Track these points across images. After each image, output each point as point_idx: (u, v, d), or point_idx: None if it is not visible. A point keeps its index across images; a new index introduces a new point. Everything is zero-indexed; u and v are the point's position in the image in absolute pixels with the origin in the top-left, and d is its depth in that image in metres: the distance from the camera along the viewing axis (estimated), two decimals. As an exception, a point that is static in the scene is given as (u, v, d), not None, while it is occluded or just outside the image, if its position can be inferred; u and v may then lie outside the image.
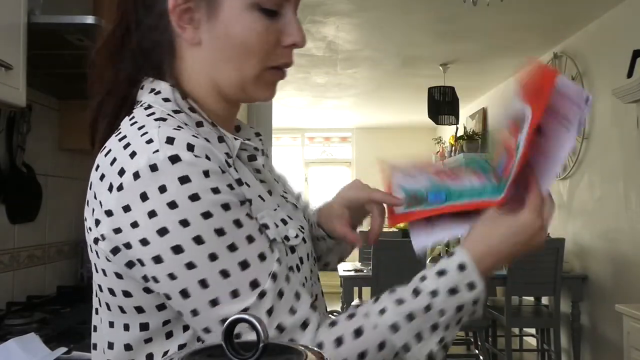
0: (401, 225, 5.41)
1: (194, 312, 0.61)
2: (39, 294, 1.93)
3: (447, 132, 7.44)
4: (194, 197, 0.59)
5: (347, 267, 4.32)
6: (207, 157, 0.62)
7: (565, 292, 3.95)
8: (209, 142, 0.67)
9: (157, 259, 0.59)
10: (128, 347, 0.67)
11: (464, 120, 6.83)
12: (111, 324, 0.67)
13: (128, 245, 0.60)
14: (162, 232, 0.59)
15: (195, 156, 0.61)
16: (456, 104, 5.02)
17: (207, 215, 0.59)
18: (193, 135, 0.63)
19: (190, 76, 0.71)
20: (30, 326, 1.49)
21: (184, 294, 0.60)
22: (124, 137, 0.63)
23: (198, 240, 0.59)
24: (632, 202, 3.46)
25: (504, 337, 3.79)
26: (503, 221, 0.67)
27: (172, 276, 0.60)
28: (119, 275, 0.63)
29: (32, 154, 1.94)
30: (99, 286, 0.67)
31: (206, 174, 0.60)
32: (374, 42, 4.44)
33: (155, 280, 0.60)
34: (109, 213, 0.60)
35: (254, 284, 0.61)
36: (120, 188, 0.60)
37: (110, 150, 0.63)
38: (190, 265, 0.59)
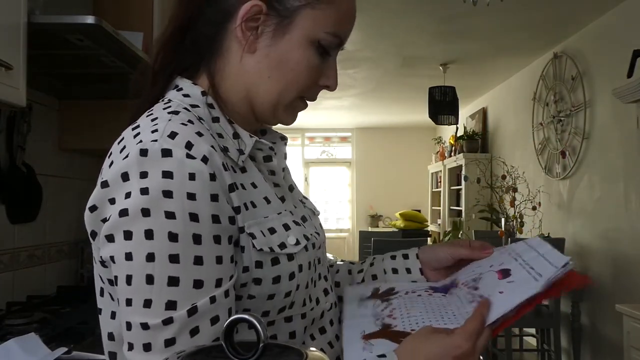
0: (400, 224, 5.41)
1: (126, 302, 0.60)
2: (39, 294, 1.93)
3: (447, 132, 7.44)
4: (167, 194, 0.59)
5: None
6: (204, 159, 0.61)
7: (565, 292, 3.93)
8: (221, 137, 0.68)
9: (111, 238, 0.60)
10: (110, 337, 0.68)
11: (463, 120, 6.84)
12: (99, 311, 0.70)
13: (104, 220, 0.62)
14: (123, 213, 0.59)
15: (189, 155, 0.61)
16: (456, 104, 5.02)
17: (170, 215, 0.58)
18: (198, 133, 0.64)
19: (229, 77, 0.73)
20: (30, 326, 1.49)
21: (128, 281, 0.59)
22: (137, 126, 0.66)
23: (148, 234, 0.58)
24: (632, 202, 3.46)
25: (504, 337, 3.78)
26: (434, 339, 0.65)
27: (126, 257, 0.59)
28: (103, 264, 0.65)
29: (32, 154, 1.94)
30: (100, 276, 0.68)
31: (191, 176, 0.60)
32: (374, 42, 4.44)
33: (112, 260, 0.61)
34: (102, 184, 0.62)
35: (170, 306, 0.58)
36: (115, 165, 0.62)
37: (123, 138, 0.65)
38: (128, 256, 0.59)
